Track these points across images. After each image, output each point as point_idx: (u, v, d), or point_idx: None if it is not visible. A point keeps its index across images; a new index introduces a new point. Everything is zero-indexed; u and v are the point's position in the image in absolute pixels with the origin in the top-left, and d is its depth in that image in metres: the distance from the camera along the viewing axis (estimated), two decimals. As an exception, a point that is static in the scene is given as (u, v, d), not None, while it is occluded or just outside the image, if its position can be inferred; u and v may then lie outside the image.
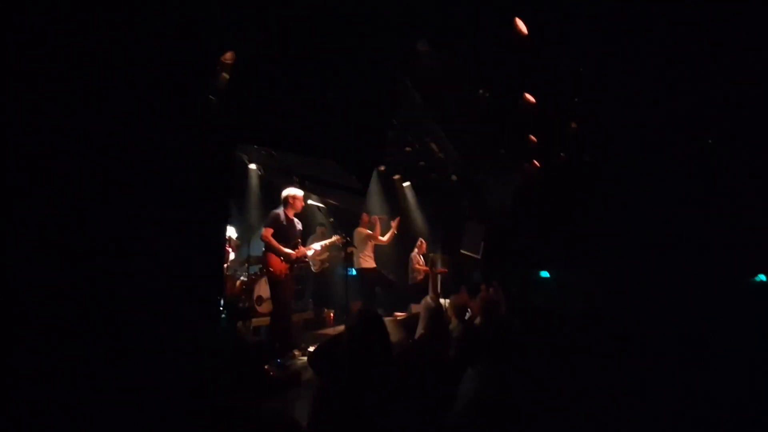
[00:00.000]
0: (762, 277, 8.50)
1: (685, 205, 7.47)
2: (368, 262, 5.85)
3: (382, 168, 8.28)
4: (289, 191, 4.38)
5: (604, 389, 2.19)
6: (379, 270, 6.01)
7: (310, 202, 4.82)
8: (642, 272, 7.85)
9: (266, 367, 3.40)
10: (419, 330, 3.33)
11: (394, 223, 6.09)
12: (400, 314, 5.34)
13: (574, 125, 6.51)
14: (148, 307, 2.09)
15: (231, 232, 5.23)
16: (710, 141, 6.61)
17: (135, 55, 2.04)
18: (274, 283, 4.11)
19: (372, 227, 5.97)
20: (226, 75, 3.80)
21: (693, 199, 7.36)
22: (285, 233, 4.22)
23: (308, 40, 3.97)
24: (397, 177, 8.70)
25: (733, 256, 7.38)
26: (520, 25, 4.04)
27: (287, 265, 4.18)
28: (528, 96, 5.39)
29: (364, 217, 6.06)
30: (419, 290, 6.89)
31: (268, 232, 4.11)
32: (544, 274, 11.02)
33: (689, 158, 6.88)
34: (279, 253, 4.10)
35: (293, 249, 4.26)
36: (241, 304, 4.43)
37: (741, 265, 7.80)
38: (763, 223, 6.93)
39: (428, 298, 3.59)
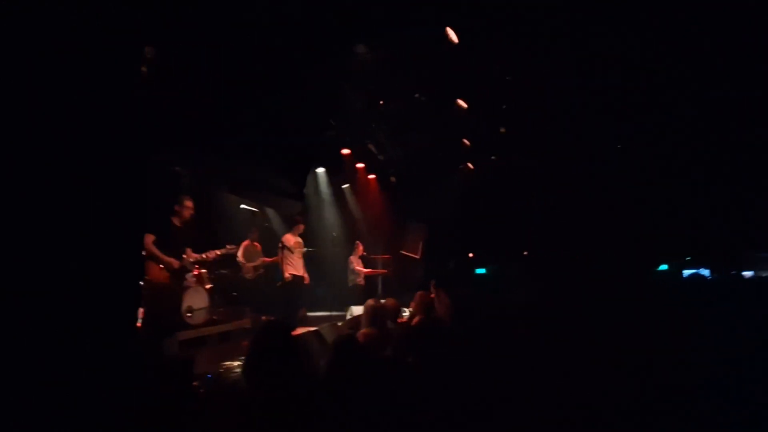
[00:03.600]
0: (664, 266, 9.62)
1: (597, 202, 8.27)
2: (288, 269, 5.80)
3: (323, 170, 8.20)
4: (179, 199, 4.29)
5: (527, 378, 2.35)
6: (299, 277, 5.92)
7: (242, 206, 4.64)
8: (563, 267, 8.54)
9: (195, 383, 3.21)
10: (362, 330, 3.35)
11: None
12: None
13: (503, 130, 6.91)
14: (52, 326, 1.88)
15: None
16: (618, 147, 7.34)
17: (41, 40, 1.82)
18: (151, 293, 3.92)
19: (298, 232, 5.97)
20: (145, 68, 3.53)
21: (603, 197, 8.16)
22: (169, 242, 4.10)
23: (241, 38, 3.81)
24: (344, 185, 8.69)
25: (638, 248, 8.29)
26: (451, 34, 4.21)
27: (167, 275, 4.06)
28: (460, 101, 5.62)
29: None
30: (359, 292, 6.93)
31: (149, 239, 3.93)
32: (480, 271, 11.57)
33: (600, 162, 7.61)
34: (159, 261, 3.98)
35: (178, 258, 4.15)
36: (165, 318, 4.14)
37: (646, 256, 8.78)
38: (663, 219, 7.87)
39: (370, 301, 3.64)
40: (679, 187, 8.57)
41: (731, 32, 4.80)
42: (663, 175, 8.31)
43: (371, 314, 3.00)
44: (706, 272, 9.00)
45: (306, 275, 6.06)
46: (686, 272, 8.60)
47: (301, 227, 5.93)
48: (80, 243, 1.96)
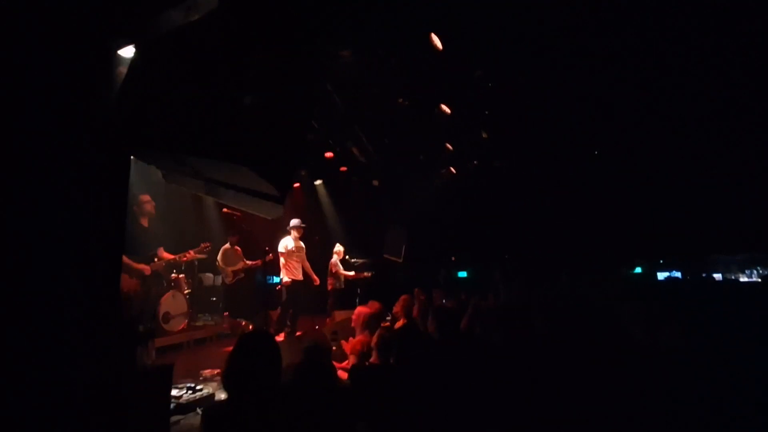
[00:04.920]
0: (639, 269, 9.95)
1: (575, 206, 8.49)
2: (287, 274, 5.63)
3: (304, 173, 8.11)
4: (134, 198, 3.99)
5: (503, 379, 2.37)
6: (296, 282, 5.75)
7: (225, 210, 4.54)
8: (542, 268, 8.72)
9: (173, 392, 3.11)
10: (358, 336, 3.32)
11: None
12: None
13: (485, 135, 7.00)
14: (24, 341, 1.79)
15: None
16: (596, 152, 7.55)
17: (16, 40, 1.74)
18: (124, 302, 3.62)
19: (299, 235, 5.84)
20: (123, 69, 3.42)
21: (581, 201, 8.38)
22: (141, 245, 3.83)
23: (222, 38, 3.72)
24: (318, 182, 8.60)
25: (614, 252, 8.55)
26: (435, 40, 4.24)
27: (137, 281, 3.77)
28: (443, 106, 5.65)
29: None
30: (341, 297, 6.87)
31: None
32: (462, 273, 11.69)
33: (578, 167, 7.81)
34: (128, 269, 3.68)
35: (147, 262, 3.89)
36: (141, 325, 3.99)
37: (621, 259, 9.05)
38: (636, 223, 8.13)
39: (362, 309, 3.61)
40: (651, 192, 8.88)
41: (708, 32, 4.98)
42: (636, 180, 8.59)
43: (365, 322, 2.98)
44: (677, 274, 9.36)
45: (302, 279, 5.87)
46: (660, 274, 8.93)
47: (302, 230, 5.76)
48: (57, 247, 1.87)
